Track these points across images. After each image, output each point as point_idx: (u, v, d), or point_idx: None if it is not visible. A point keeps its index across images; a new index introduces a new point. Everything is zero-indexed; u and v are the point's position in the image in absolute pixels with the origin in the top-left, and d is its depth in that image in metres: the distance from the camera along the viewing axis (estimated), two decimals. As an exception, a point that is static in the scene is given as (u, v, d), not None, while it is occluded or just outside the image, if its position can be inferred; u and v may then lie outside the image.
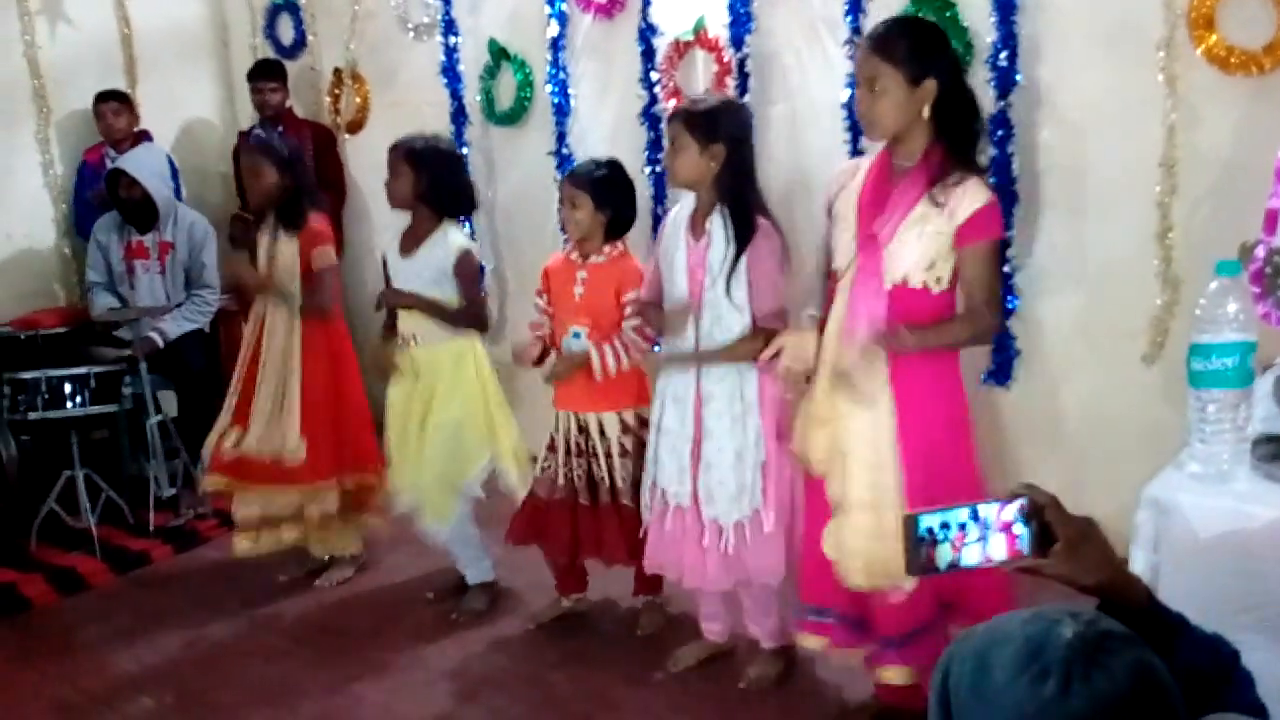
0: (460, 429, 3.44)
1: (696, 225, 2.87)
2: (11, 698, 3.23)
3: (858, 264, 2.44)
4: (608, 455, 3.15)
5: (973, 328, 2.47)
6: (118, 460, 4.59)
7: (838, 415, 2.47)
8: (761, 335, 2.73)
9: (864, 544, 2.43)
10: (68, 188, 5.07)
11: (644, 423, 3.14)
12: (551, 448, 3.25)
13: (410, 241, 3.48)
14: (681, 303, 2.88)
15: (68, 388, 4.17)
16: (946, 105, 2.38)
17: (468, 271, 3.44)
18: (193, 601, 3.80)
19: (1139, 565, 1.99)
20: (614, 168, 3.22)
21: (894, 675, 2.54)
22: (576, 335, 3.15)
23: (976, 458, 2.57)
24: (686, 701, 2.95)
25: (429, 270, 3.41)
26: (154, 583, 4.03)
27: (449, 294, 3.42)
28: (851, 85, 3.74)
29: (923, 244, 2.39)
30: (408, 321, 3.47)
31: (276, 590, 3.84)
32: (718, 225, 2.81)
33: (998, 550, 1.29)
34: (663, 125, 4.25)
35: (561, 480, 3.21)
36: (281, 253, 3.67)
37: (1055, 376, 3.61)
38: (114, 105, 4.92)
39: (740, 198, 2.80)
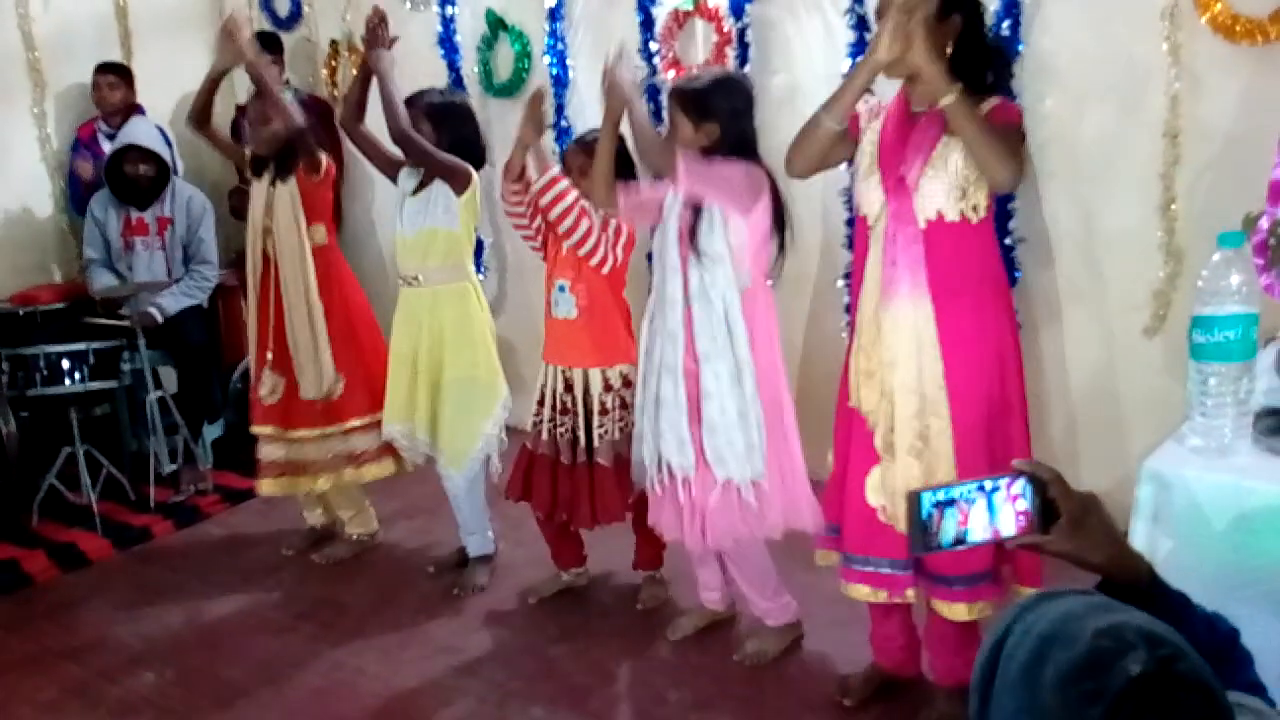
0: (475, 380, 3.48)
1: (695, 206, 2.83)
2: (14, 673, 3.24)
3: (890, 211, 2.43)
4: (588, 413, 3.17)
5: (1005, 145, 2.33)
6: (118, 436, 4.60)
7: (882, 364, 2.47)
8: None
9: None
10: (64, 163, 5.04)
11: (628, 382, 3.16)
12: (540, 401, 3.27)
13: (422, 184, 3.50)
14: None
15: (66, 364, 4.17)
16: (965, 46, 2.38)
17: (462, 178, 3.42)
18: (194, 576, 3.82)
19: (1140, 539, 1.98)
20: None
21: (958, 611, 2.51)
22: (561, 289, 3.18)
23: (1025, 401, 2.54)
24: (686, 675, 2.96)
25: (440, 203, 3.43)
26: (155, 558, 4.04)
27: (455, 227, 3.44)
28: (853, 55, 3.72)
29: (950, 174, 2.37)
30: (409, 262, 3.49)
31: (277, 565, 3.86)
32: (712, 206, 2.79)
33: (1001, 527, 1.29)
34: (662, 97, 4.23)
35: (545, 436, 3.23)
36: (280, 197, 3.67)
37: (1056, 349, 3.59)
38: (110, 78, 4.88)
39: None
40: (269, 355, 3.73)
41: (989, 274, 2.49)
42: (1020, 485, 1.28)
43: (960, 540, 1.28)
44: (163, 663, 3.24)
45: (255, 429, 3.79)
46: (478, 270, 4.85)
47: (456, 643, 3.25)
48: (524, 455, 3.32)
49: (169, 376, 4.66)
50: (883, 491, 2.51)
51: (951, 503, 1.27)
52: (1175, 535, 1.93)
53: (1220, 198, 3.08)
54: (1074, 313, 3.55)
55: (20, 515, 4.19)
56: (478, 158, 3.57)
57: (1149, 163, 3.27)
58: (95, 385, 4.23)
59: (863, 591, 2.61)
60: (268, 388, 3.73)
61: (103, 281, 4.61)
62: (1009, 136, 2.37)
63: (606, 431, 3.15)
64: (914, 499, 1.27)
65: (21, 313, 4.53)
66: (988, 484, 1.28)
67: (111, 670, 3.22)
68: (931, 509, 1.26)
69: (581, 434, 3.17)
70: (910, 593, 2.57)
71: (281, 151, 3.68)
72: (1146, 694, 0.93)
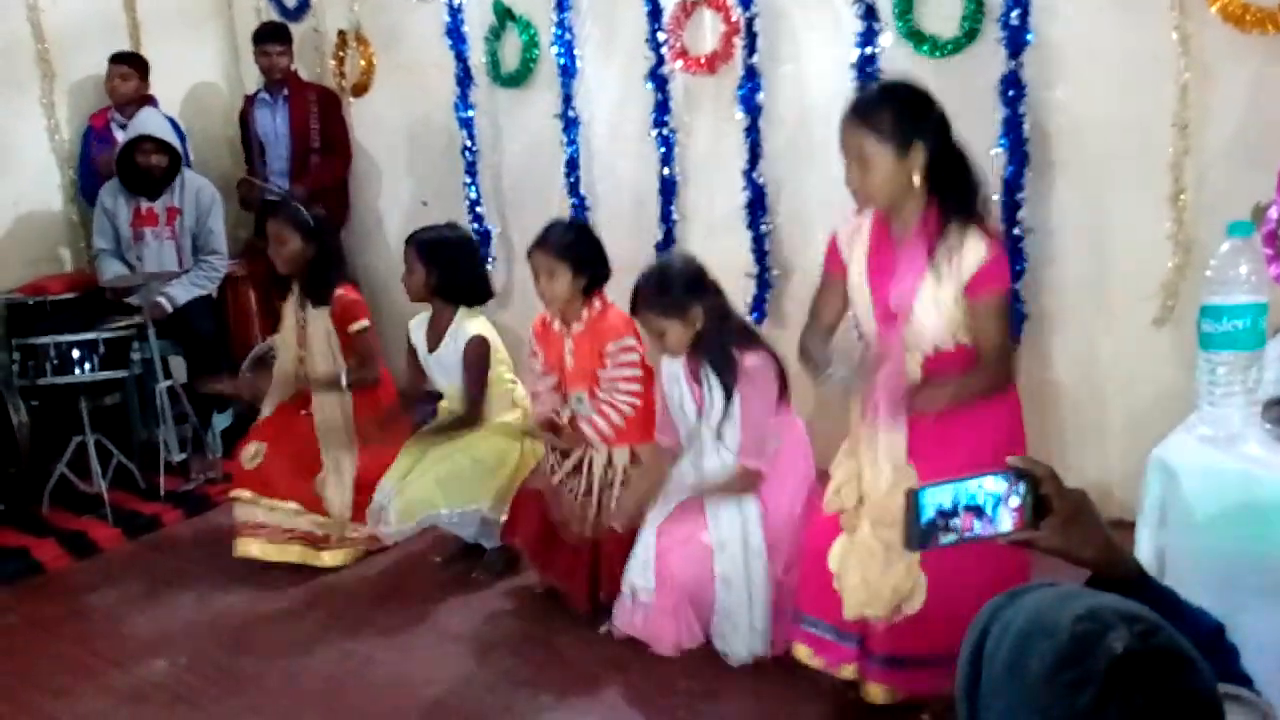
0: (474, 466, 3.48)
1: (695, 373, 2.93)
2: (26, 661, 3.26)
3: (879, 339, 2.45)
4: (606, 485, 3.18)
5: (987, 380, 2.40)
6: (128, 425, 4.62)
7: (861, 467, 2.50)
8: (743, 473, 2.85)
9: (872, 575, 2.40)
10: (74, 153, 5.05)
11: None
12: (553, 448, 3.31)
13: (434, 336, 3.58)
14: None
15: (77, 353, 4.19)
16: (938, 166, 2.34)
17: (472, 358, 3.49)
18: (204, 565, 3.83)
19: (1146, 530, 1.99)
20: (580, 229, 3.36)
21: (875, 693, 2.49)
22: (580, 400, 3.27)
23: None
24: (695, 664, 2.96)
25: (454, 362, 3.52)
26: (165, 547, 4.06)
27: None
28: (861, 45, 3.72)
29: (941, 312, 2.36)
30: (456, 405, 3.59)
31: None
32: (712, 376, 2.88)
33: (996, 524, 1.29)
34: (669, 86, 4.22)
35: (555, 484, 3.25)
36: (314, 325, 3.72)
37: (1064, 339, 3.59)
38: (123, 69, 4.89)
39: (720, 350, 2.85)
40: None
41: (985, 408, 2.43)
42: (1015, 482, 1.29)
43: (954, 537, 1.29)
44: (174, 650, 3.26)
45: (233, 493, 3.77)
46: (485, 261, 4.89)
47: (465, 631, 3.27)
48: (530, 501, 3.29)
49: (178, 366, 4.67)
50: (840, 561, 2.48)
51: (949, 500, 1.27)
52: (1183, 525, 1.93)
53: (1230, 188, 3.08)
54: (1082, 303, 3.54)
55: (31, 504, 4.21)
56: (480, 293, 3.60)
57: (1158, 153, 3.25)
58: (105, 375, 4.25)
59: (803, 652, 2.59)
60: (250, 454, 3.73)
61: (113, 271, 4.63)
62: (994, 315, 2.35)
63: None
64: (913, 497, 1.27)
65: (32, 302, 4.55)
66: (985, 481, 1.28)
67: (123, 657, 3.24)
68: (930, 507, 1.27)
69: (593, 505, 3.17)
70: (848, 670, 2.52)
71: (307, 275, 3.71)
72: (1133, 669, 0.94)
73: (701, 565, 2.86)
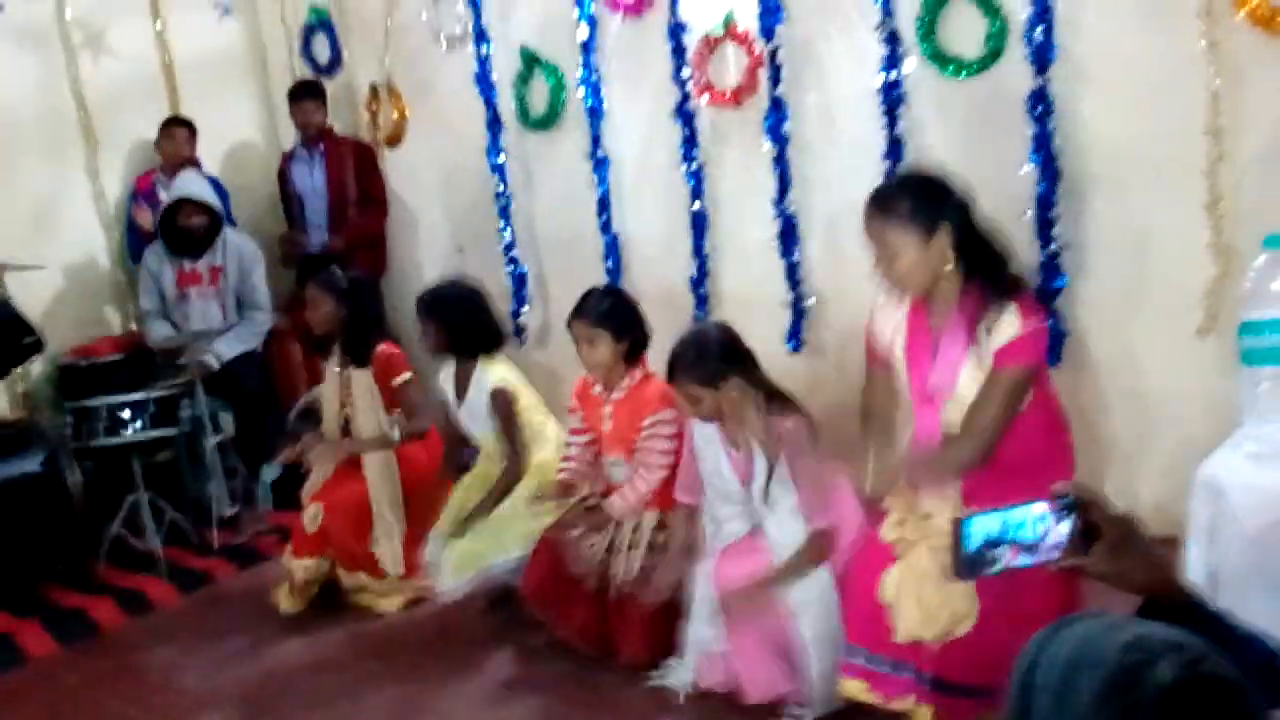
0: (517, 513, 3.47)
1: (732, 437, 2.92)
2: (83, 720, 3.30)
3: (916, 419, 2.47)
4: (630, 547, 3.16)
5: (971, 452, 2.37)
6: (179, 482, 4.68)
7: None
8: (815, 535, 2.79)
9: (927, 597, 2.39)
10: (118, 217, 5.18)
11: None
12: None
13: (460, 387, 3.64)
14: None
15: (128, 413, 4.26)
16: (968, 246, 2.35)
17: (502, 409, 3.54)
18: (256, 618, 3.86)
19: (1196, 550, 1.94)
20: (617, 295, 3.38)
21: (923, 714, 2.45)
22: (616, 464, 3.31)
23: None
24: (741, 710, 2.90)
25: (482, 411, 3.57)
26: (218, 601, 4.11)
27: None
28: (886, 69, 3.72)
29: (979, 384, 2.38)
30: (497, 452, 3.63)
31: (336, 603, 3.89)
32: (754, 443, 2.86)
33: (1043, 551, 1.27)
34: (696, 121, 4.24)
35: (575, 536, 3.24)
36: (357, 386, 3.78)
37: (1106, 355, 3.53)
38: (179, 130, 5.05)
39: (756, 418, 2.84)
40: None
41: (1038, 452, 2.40)
42: (1062, 509, 1.27)
43: (1003, 565, 1.27)
44: (227, 704, 3.29)
45: (291, 563, 3.80)
46: (521, 305, 4.92)
47: (513, 676, 3.27)
48: (546, 552, 3.27)
49: (227, 421, 4.74)
50: (895, 588, 2.46)
51: (996, 528, 1.26)
52: (1234, 542, 1.89)
53: (1267, 192, 3.02)
54: (1123, 317, 3.48)
55: (87, 563, 4.28)
56: (493, 340, 3.63)
57: (1192, 161, 3.20)
58: (156, 433, 4.31)
59: (855, 687, 2.54)
60: (310, 515, 3.77)
61: (160, 332, 4.72)
62: (1007, 390, 2.33)
63: (651, 564, 3.11)
64: (959, 526, 1.26)
65: (83, 364, 4.66)
66: (1032, 509, 1.27)
67: (176, 714, 3.28)
68: (977, 536, 1.26)
69: (617, 569, 3.14)
70: (906, 702, 2.48)
71: (345, 337, 3.78)
72: (1182, 699, 0.94)
73: (770, 607, 2.80)
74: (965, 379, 2.36)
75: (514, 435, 3.54)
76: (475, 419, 3.61)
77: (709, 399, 2.86)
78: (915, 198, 2.35)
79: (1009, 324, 2.32)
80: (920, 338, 2.46)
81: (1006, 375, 2.32)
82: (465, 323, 3.59)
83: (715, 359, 2.85)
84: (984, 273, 2.34)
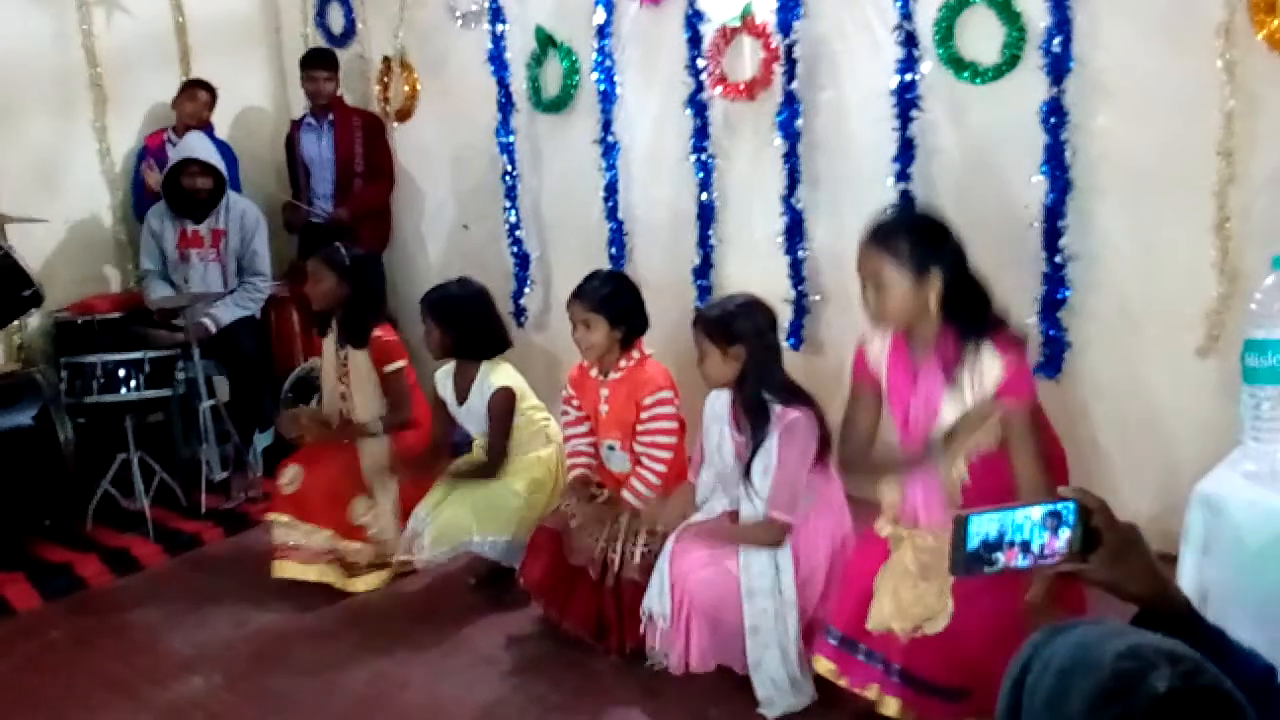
0: (508, 495, 3.49)
1: (737, 417, 2.93)
2: (66, 675, 3.30)
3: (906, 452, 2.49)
4: (630, 534, 3.14)
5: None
6: (171, 444, 4.68)
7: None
8: (769, 524, 2.79)
9: (904, 592, 2.43)
10: (124, 174, 5.16)
11: None
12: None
13: (461, 389, 3.63)
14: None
15: (123, 372, 4.25)
16: (954, 293, 2.37)
17: (498, 410, 3.53)
18: (243, 583, 3.86)
19: (1189, 565, 1.95)
20: (619, 280, 3.36)
21: (891, 705, 2.46)
22: (611, 448, 3.30)
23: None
24: (727, 694, 2.93)
25: (483, 413, 3.56)
26: (205, 564, 4.10)
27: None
28: (901, 71, 3.72)
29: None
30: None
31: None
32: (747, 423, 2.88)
33: (1043, 553, 1.28)
34: (708, 112, 4.25)
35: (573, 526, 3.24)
36: (355, 364, 3.76)
37: (1107, 368, 3.55)
38: (199, 93, 5.05)
39: (756, 396, 2.84)
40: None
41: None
42: (1065, 512, 1.27)
43: (1002, 565, 1.27)
44: (210, 667, 3.29)
45: (270, 516, 3.77)
46: (523, 287, 4.92)
47: (497, 653, 3.27)
48: (545, 542, 3.26)
49: (221, 385, 4.73)
50: (879, 579, 2.49)
51: (997, 528, 1.26)
52: (1227, 560, 1.90)
53: (1276, 216, 3.03)
54: (1125, 332, 3.50)
55: (75, 520, 4.27)
56: (497, 345, 3.62)
57: (1202, 181, 3.22)
58: (150, 393, 4.30)
59: (826, 667, 2.58)
60: (287, 478, 3.75)
61: (159, 292, 4.71)
62: (1025, 432, 2.33)
63: (650, 550, 3.08)
64: (961, 523, 1.26)
65: (80, 321, 4.65)
66: (1034, 511, 1.27)
67: (160, 674, 3.27)
68: (977, 535, 1.26)
69: (615, 556, 3.13)
70: (873, 690, 2.49)
71: (343, 315, 3.75)
72: (1174, 709, 0.93)
73: (724, 592, 2.82)
74: (947, 411, 2.39)
75: (502, 435, 3.54)
76: (476, 420, 3.61)
77: (712, 358, 2.86)
78: (914, 239, 2.37)
79: (990, 364, 2.34)
80: (901, 370, 2.50)
81: (1019, 422, 2.34)
82: (470, 327, 3.57)
83: (734, 319, 2.85)
84: (965, 319, 2.37)
